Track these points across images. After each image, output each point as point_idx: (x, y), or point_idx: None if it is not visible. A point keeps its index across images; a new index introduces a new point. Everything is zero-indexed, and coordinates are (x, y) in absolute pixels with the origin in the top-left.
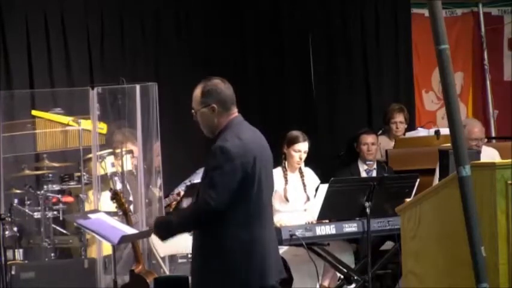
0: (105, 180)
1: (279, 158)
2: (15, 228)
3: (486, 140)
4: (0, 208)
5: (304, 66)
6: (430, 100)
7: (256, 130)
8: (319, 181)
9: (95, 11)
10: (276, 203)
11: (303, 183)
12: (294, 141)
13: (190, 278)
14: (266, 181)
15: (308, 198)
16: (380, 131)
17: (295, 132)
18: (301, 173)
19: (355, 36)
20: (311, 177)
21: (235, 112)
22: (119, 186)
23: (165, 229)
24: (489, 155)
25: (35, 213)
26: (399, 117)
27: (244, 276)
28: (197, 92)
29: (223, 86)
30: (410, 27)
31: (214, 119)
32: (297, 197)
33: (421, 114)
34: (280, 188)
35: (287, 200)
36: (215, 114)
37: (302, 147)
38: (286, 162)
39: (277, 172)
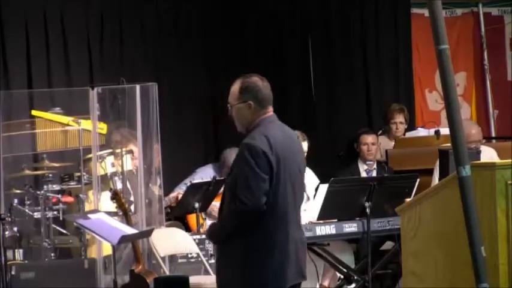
0: (105, 180)
1: None
2: (15, 228)
3: (484, 139)
4: (0, 208)
5: (304, 66)
6: (434, 100)
7: (289, 131)
8: (318, 181)
9: (95, 11)
10: None
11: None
12: None
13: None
14: (291, 183)
15: (308, 198)
16: (380, 131)
17: (295, 132)
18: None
19: (355, 36)
20: (310, 177)
21: (270, 111)
22: (119, 186)
23: (214, 236)
24: (487, 155)
25: (35, 213)
26: (399, 118)
27: (258, 276)
28: (235, 87)
29: (261, 84)
30: (410, 27)
31: (249, 116)
32: None
33: (425, 114)
34: None
35: None
36: (251, 111)
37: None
38: None
39: None
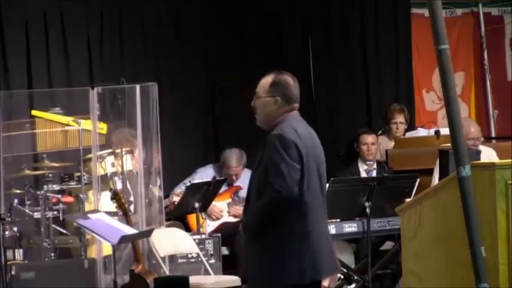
0: (105, 180)
1: None
2: (15, 228)
3: (484, 139)
4: (0, 208)
5: (304, 66)
6: (431, 100)
7: (312, 129)
8: None
9: (95, 11)
10: None
11: None
12: None
13: (244, 264)
14: (318, 176)
15: None
16: (380, 131)
17: None
18: None
19: (355, 36)
20: None
21: (295, 109)
22: (119, 186)
23: (249, 228)
24: (486, 155)
25: (35, 213)
26: (400, 118)
27: (296, 267)
28: (267, 80)
29: (292, 83)
30: (410, 27)
31: (274, 111)
32: None
33: (422, 114)
34: None
35: None
36: (276, 106)
37: None
38: None
39: None
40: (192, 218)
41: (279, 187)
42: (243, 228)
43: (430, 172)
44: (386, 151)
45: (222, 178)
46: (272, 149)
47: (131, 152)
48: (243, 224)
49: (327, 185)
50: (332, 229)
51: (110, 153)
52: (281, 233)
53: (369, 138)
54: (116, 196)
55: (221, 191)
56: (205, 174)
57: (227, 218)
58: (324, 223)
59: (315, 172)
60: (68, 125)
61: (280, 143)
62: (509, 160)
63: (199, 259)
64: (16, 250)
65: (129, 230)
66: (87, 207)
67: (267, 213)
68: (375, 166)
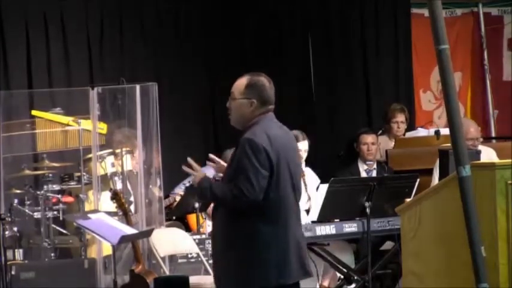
0: (105, 180)
1: None
2: (15, 228)
3: (484, 139)
4: (0, 208)
5: (304, 66)
6: (427, 100)
7: (288, 131)
8: (319, 181)
9: (95, 11)
10: None
11: (304, 183)
12: None
13: (212, 263)
14: (291, 179)
15: (309, 198)
16: (380, 131)
17: (295, 132)
18: (301, 172)
19: (355, 36)
20: (311, 177)
21: (270, 110)
22: (119, 186)
23: (205, 195)
24: (486, 155)
25: (35, 213)
26: (400, 117)
27: (262, 270)
28: (242, 82)
29: (268, 85)
30: (410, 27)
31: (249, 113)
32: None
33: (418, 114)
34: None
35: None
36: (251, 108)
37: (302, 147)
38: None
39: None
40: (192, 218)
41: (246, 191)
42: (203, 188)
43: (430, 172)
44: (386, 151)
45: None
46: (242, 153)
47: (131, 152)
48: (207, 185)
49: (327, 185)
50: (332, 229)
51: (110, 153)
52: (248, 239)
53: (369, 138)
54: (116, 196)
55: None
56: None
57: None
58: (297, 227)
59: (287, 177)
60: (68, 125)
61: (250, 148)
62: (509, 160)
63: (199, 259)
64: (16, 250)
65: (129, 230)
66: (87, 207)
67: (227, 201)
68: (374, 166)
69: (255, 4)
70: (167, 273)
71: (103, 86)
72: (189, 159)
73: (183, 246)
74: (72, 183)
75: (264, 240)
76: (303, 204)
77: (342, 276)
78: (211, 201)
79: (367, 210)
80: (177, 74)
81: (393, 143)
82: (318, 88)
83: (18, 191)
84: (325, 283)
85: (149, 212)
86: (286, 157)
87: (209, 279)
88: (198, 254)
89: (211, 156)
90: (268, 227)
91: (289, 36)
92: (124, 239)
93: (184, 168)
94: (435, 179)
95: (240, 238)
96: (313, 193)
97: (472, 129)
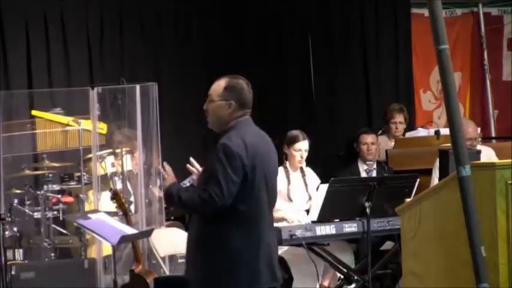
0: (105, 180)
1: (280, 158)
2: (15, 228)
3: (484, 139)
4: (0, 208)
5: (304, 66)
6: (427, 100)
7: (265, 135)
8: (319, 181)
9: (95, 11)
10: (280, 202)
11: (305, 183)
12: (294, 140)
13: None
14: (266, 186)
15: (310, 198)
16: (380, 131)
17: (295, 132)
18: (302, 172)
19: (355, 36)
20: (312, 176)
21: (247, 114)
22: (119, 186)
23: (172, 201)
24: (486, 154)
25: (35, 213)
26: (399, 118)
27: (232, 276)
28: (221, 84)
29: (246, 88)
30: (410, 27)
31: (226, 116)
32: (299, 197)
33: (418, 114)
34: (283, 188)
35: (291, 199)
36: (230, 110)
37: (302, 146)
38: (287, 162)
39: (279, 172)
40: None
41: (216, 197)
42: (170, 194)
43: (430, 172)
44: (386, 151)
45: None
46: (216, 157)
47: (131, 152)
48: (175, 190)
49: (327, 185)
50: (332, 229)
51: (110, 153)
52: (219, 245)
53: (369, 138)
54: (116, 196)
55: None
56: None
57: None
58: (269, 234)
59: (263, 183)
60: (68, 125)
61: (224, 154)
62: (509, 160)
63: None
64: (16, 250)
65: (129, 230)
66: (87, 207)
67: (196, 206)
68: (374, 166)
69: (255, 4)
70: (167, 273)
71: (103, 86)
72: (191, 159)
73: (183, 246)
74: (72, 183)
75: (235, 246)
76: (303, 204)
77: (342, 276)
78: (178, 207)
79: (367, 210)
80: (177, 74)
81: (393, 143)
82: (318, 88)
83: (18, 191)
84: (325, 283)
85: (149, 212)
86: (262, 164)
87: None
88: None
89: (192, 160)
90: (239, 233)
91: (289, 36)
92: (124, 239)
93: (189, 167)
94: (434, 180)
95: (211, 244)
96: (313, 193)
97: (470, 129)
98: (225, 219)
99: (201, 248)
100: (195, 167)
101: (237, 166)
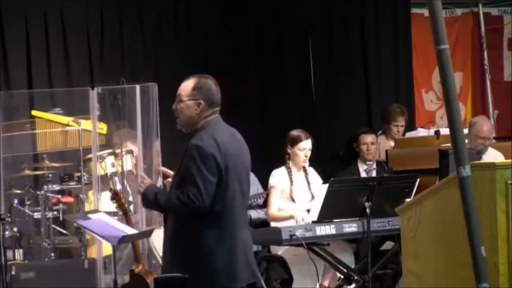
0: (105, 180)
1: (281, 158)
2: (15, 228)
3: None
4: (0, 208)
5: (304, 67)
6: (429, 100)
7: (236, 133)
8: (321, 181)
9: (95, 11)
10: (283, 202)
11: (307, 182)
12: (298, 140)
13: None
14: (239, 184)
15: (313, 197)
16: (380, 131)
17: (297, 131)
18: (305, 171)
19: (355, 36)
20: (314, 176)
21: (216, 113)
22: (118, 186)
23: (149, 203)
24: (495, 157)
25: (35, 214)
26: (401, 121)
27: (208, 276)
28: (189, 83)
29: (214, 88)
30: (410, 27)
31: (195, 115)
32: (302, 196)
33: (421, 114)
34: (286, 188)
35: (293, 200)
36: (199, 110)
37: (306, 145)
38: (290, 162)
39: (282, 172)
40: None
41: (194, 198)
42: (148, 197)
43: (430, 172)
44: (386, 151)
45: None
46: (190, 159)
47: (131, 152)
48: (152, 194)
49: (327, 185)
50: (332, 229)
51: (110, 153)
52: (195, 245)
53: (369, 138)
54: (116, 196)
55: None
56: None
57: None
58: (244, 232)
59: (236, 181)
60: (68, 125)
61: (198, 154)
62: (509, 160)
63: None
64: (16, 250)
65: (129, 230)
66: (87, 207)
67: (174, 208)
68: (374, 166)
69: (255, 4)
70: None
71: (103, 86)
72: (163, 168)
73: None
74: (72, 184)
75: (211, 246)
76: (306, 203)
77: (342, 276)
78: (156, 210)
79: (367, 210)
80: (177, 74)
81: (393, 143)
82: (318, 88)
83: (18, 191)
84: (325, 283)
85: (149, 212)
86: (235, 162)
87: None
88: None
89: (163, 169)
90: (214, 232)
91: (289, 36)
92: (124, 239)
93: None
94: None
95: (187, 244)
96: (316, 192)
97: (485, 128)
98: (200, 219)
99: (177, 249)
100: (168, 173)
101: (211, 166)
